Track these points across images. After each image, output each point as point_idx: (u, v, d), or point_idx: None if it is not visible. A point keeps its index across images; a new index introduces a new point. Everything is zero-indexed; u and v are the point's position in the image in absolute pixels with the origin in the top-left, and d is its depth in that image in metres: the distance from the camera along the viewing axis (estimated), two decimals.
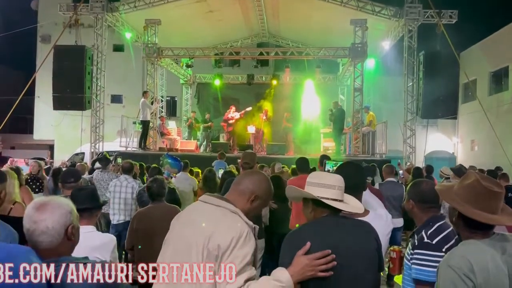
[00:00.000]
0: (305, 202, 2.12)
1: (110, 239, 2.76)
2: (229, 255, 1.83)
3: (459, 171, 6.37)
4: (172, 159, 7.49)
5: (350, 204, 2.11)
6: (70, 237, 1.71)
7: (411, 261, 2.30)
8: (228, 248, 1.84)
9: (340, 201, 2.05)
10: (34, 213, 1.64)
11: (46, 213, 1.65)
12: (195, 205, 2.15)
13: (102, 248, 2.62)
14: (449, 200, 1.93)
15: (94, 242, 2.62)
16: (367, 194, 2.79)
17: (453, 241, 2.30)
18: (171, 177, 7.00)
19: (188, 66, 17.23)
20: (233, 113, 15.38)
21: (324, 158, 5.88)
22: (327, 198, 2.02)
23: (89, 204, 2.77)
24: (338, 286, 1.94)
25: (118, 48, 22.42)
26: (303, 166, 5.50)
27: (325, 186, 2.05)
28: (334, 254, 1.93)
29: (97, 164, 8.34)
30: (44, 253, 1.64)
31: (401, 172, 10.34)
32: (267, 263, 5.04)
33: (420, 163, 12.96)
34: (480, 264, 1.72)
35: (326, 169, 6.63)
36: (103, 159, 7.82)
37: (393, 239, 6.18)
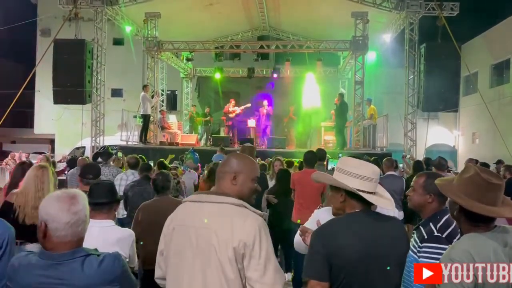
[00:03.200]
0: (335, 191, 2.02)
1: (129, 233, 2.75)
2: (257, 250, 1.83)
3: (440, 164, 6.45)
4: (195, 156, 7.50)
5: (385, 198, 2.03)
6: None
7: (419, 254, 2.29)
8: (254, 243, 1.83)
9: (374, 193, 1.98)
10: (71, 206, 1.69)
11: (80, 204, 1.72)
12: (189, 208, 2.01)
13: (121, 243, 2.63)
14: (450, 194, 1.92)
15: (113, 236, 2.63)
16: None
17: (458, 236, 2.29)
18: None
19: (188, 59, 17.17)
20: (232, 108, 15.41)
21: (321, 152, 5.86)
22: (366, 192, 1.94)
23: (109, 198, 2.77)
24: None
25: (118, 42, 22.34)
26: (312, 161, 5.44)
27: (362, 177, 1.95)
28: (368, 254, 1.88)
29: (99, 159, 8.33)
30: (78, 242, 1.71)
31: (401, 165, 10.33)
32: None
33: (421, 156, 12.94)
34: (482, 258, 1.72)
35: (330, 167, 6.65)
36: (105, 154, 7.81)
37: None
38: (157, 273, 2.07)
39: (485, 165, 7.34)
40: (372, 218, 1.96)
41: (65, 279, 1.64)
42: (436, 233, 2.29)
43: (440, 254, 2.17)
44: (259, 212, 1.96)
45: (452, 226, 2.33)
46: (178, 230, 1.96)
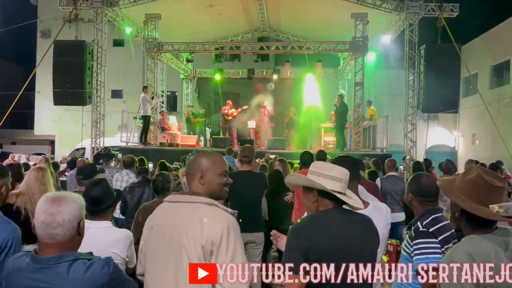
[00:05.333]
0: (308, 191, 2.10)
1: (126, 234, 2.72)
2: (224, 247, 1.89)
3: (447, 168, 6.41)
4: None
5: (354, 199, 2.11)
6: (81, 231, 1.73)
7: (413, 253, 2.31)
8: (221, 240, 1.89)
9: (344, 194, 2.06)
10: (50, 206, 1.67)
11: (62, 206, 1.68)
12: (166, 208, 2.10)
13: (119, 244, 2.61)
14: (451, 195, 1.92)
15: (111, 237, 2.61)
16: (361, 188, 2.80)
17: (448, 233, 2.31)
18: None
19: (188, 61, 17.17)
20: (230, 110, 15.42)
21: (321, 154, 5.86)
22: (336, 192, 2.01)
23: (105, 203, 2.74)
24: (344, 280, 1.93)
25: (118, 43, 22.35)
26: (309, 161, 5.43)
27: (334, 178, 2.03)
28: (342, 248, 1.94)
29: (101, 160, 8.33)
30: (57, 246, 1.66)
31: (401, 167, 10.33)
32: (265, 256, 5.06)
33: (421, 157, 12.94)
34: (483, 259, 1.72)
35: None
36: (105, 155, 7.83)
37: (395, 233, 6.20)
38: (138, 269, 2.13)
39: (494, 166, 7.28)
40: (344, 215, 2.05)
41: (51, 284, 1.61)
42: (421, 229, 2.33)
43: (429, 248, 2.22)
44: (230, 210, 2.03)
45: (440, 224, 2.35)
46: (155, 229, 2.05)
